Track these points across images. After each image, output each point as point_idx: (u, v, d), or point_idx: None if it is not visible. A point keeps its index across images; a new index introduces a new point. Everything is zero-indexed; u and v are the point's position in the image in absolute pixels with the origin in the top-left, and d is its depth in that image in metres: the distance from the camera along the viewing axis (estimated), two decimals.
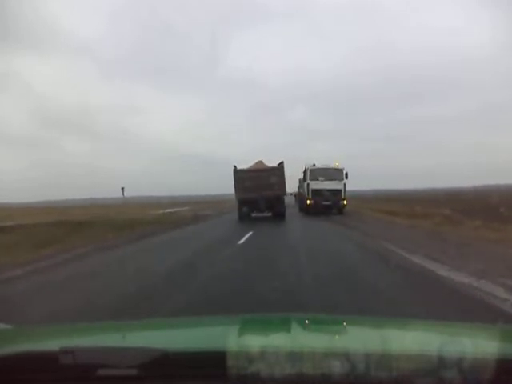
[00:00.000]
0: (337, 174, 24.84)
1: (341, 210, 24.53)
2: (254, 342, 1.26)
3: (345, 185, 24.68)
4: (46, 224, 17.93)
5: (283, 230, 16.54)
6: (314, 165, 25.54)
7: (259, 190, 20.37)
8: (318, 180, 24.72)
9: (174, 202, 73.32)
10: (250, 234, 13.56)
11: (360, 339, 1.56)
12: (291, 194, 41.12)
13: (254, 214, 22.13)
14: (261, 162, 22.64)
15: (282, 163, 21.38)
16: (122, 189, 27.02)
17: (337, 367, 1.03)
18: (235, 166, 21.46)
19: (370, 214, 25.15)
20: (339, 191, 24.58)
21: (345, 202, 24.60)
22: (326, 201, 24.21)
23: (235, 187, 21.19)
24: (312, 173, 25.15)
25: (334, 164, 25.34)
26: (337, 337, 1.57)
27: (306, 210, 25.14)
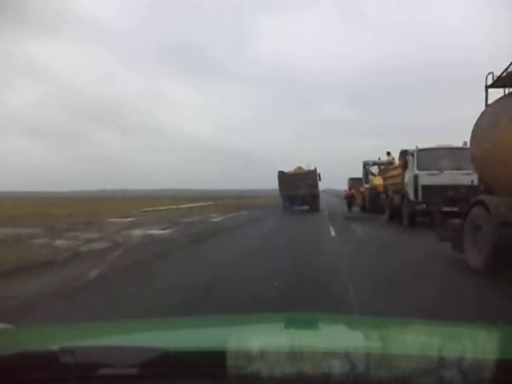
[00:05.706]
0: None
1: None
2: (254, 341, 1.26)
3: None
4: None
5: None
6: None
7: (298, 189, 26.23)
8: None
9: (197, 197, 62.32)
10: None
11: (360, 339, 1.57)
12: (323, 191, 38.92)
13: (295, 207, 27.17)
14: (299, 167, 28.40)
15: (315, 168, 27.48)
16: None
17: (337, 367, 1.03)
18: (279, 171, 27.63)
19: None
20: None
21: None
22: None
23: (279, 187, 27.38)
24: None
25: None
26: (337, 337, 1.58)
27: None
